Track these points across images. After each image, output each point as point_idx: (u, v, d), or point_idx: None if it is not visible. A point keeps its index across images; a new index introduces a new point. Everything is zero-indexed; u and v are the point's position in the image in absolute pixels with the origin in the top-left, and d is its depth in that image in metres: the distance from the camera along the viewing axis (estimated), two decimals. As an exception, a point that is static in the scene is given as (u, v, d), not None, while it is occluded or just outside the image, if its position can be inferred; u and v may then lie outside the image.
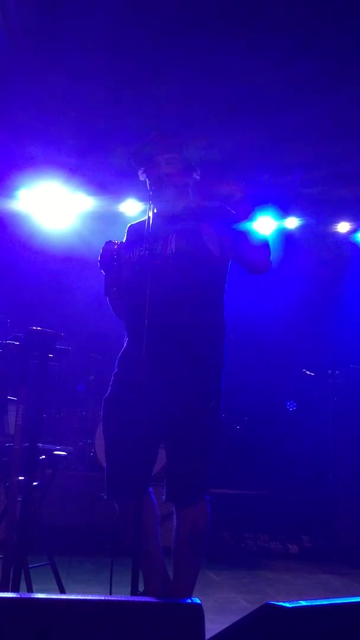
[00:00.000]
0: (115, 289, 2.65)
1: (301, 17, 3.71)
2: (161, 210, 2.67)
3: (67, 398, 5.68)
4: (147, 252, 2.46)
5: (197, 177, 2.76)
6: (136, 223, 2.81)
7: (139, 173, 2.72)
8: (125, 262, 2.65)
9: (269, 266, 2.62)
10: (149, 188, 2.66)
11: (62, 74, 4.34)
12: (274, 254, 2.64)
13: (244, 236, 2.56)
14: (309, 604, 1.66)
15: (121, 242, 2.68)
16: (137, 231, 2.68)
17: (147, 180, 2.68)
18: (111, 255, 2.63)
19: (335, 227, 6.28)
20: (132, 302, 2.58)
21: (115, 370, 2.65)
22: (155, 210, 2.64)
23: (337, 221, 6.24)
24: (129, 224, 2.86)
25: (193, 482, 2.49)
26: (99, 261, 2.67)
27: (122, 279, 2.63)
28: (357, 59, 4.00)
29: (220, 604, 3.35)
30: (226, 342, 2.64)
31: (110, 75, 4.33)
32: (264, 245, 2.58)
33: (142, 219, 2.64)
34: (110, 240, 2.67)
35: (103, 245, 2.67)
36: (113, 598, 1.66)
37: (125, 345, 2.67)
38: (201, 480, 2.51)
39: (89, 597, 1.63)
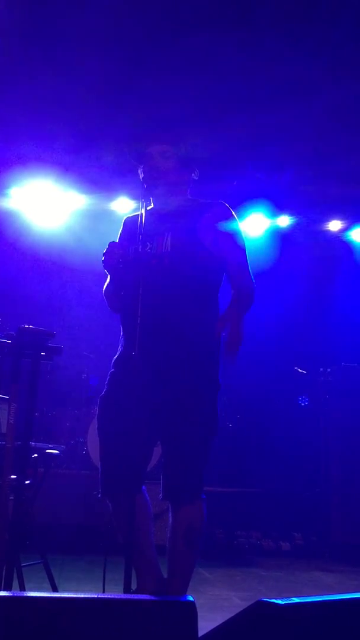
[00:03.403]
0: (122, 292, 2.57)
1: (293, 14, 3.71)
2: (156, 207, 2.66)
3: (59, 396, 5.67)
4: (141, 249, 2.44)
5: (196, 177, 2.72)
6: (133, 216, 2.74)
7: (139, 171, 2.66)
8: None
9: (254, 291, 2.57)
10: (143, 183, 2.60)
11: (54, 71, 4.33)
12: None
13: (237, 245, 2.56)
14: (301, 600, 1.66)
15: (125, 243, 2.59)
16: (134, 225, 2.59)
17: (143, 175, 2.63)
18: (117, 258, 2.53)
19: (327, 225, 6.30)
20: (127, 300, 2.56)
21: (112, 369, 2.63)
22: (153, 205, 2.63)
23: (328, 219, 6.26)
24: (125, 216, 2.81)
25: (190, 481, 2.49)
26: (103, 262, 2.56)
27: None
28: (349, 55, 4.01)
29: (213, 602, 3.35)
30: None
31: (102, 73, 4.32)
32: (250, 277, 2.56)
33: (139, 212, 2.55)
34: (114, 242, 2.58)
35: (107, 246, 2.56)
36: (106, 596, 1.66)
37: (121, 344, 2.65)
38: (198, 478, 2.50)
39: (82, 596, 1.62)
